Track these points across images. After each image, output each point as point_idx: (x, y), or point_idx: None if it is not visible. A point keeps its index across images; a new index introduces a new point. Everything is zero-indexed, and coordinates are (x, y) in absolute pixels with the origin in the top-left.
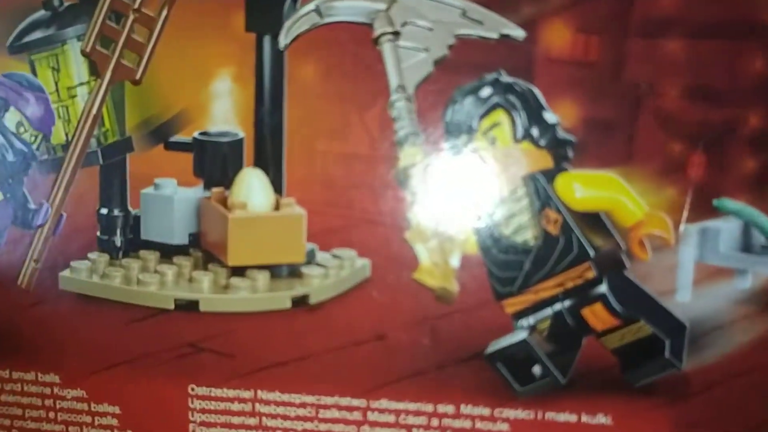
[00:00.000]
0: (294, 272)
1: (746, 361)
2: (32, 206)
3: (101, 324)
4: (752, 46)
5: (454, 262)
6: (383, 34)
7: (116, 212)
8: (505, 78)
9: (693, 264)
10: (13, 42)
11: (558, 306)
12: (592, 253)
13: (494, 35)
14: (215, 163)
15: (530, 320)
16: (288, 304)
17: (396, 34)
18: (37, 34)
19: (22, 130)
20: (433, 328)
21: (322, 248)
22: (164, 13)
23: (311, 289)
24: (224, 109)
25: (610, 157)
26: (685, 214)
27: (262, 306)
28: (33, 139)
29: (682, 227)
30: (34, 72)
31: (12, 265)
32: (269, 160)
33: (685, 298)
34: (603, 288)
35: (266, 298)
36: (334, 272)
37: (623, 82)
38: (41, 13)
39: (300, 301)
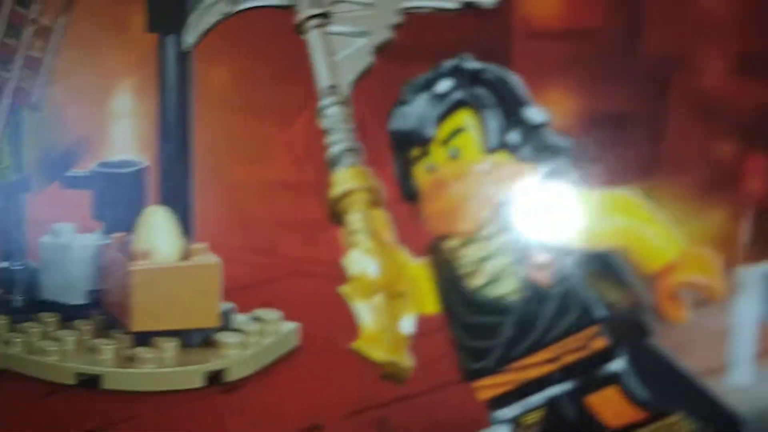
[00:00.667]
0: (208, 340)
1: None
2: None
3: (3, 397)
4: None
5: (407, 326)
6: (309, 17)
7: (15, 265)
8: (471, 64)
9: (756, 326)
10: None
11: (553, 390)
12: (602, 312)
13: (454, 4)
14: (115, 202)
15: (513, 410)
16: (200, 382)
17: (325, 16)
18: None
19: None
20: (382, 419)
21: (240, 308)
22: (61, 21)
23: (228, 363)
24: (124, 132)
25: (625, 169)
26: (744, 250)
27: (172, 384)
28: None
29: (739, 271)
30: None
31: None
32: (175, 195)
33: (743, 379)
34: (619, 364)
35: (176, 374)
36: (254, 340)
37: (641, 56)
38: None
39: (215, 378)
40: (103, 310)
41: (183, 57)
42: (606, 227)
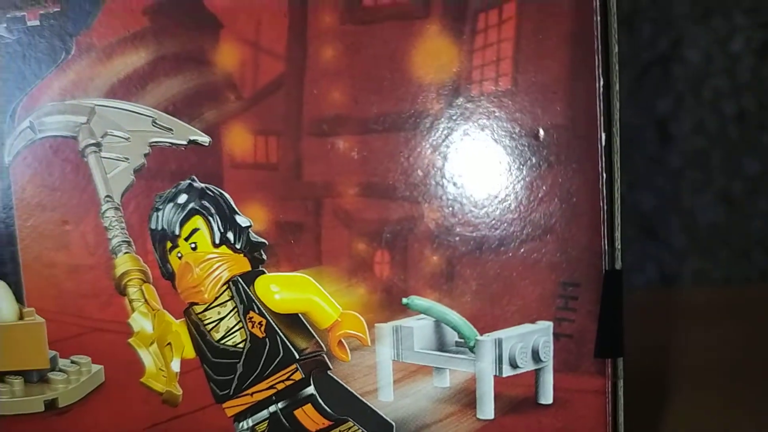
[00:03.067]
0: (43, 378)
1: None
2: None
3: None
4: (419, 137)
5: (176, 366)
6: (87, 146)
7: None
8: (198, 184)
9: (391, 363)
10: None
11: (273, 407)
12: (296, 355)
13: (183, 141)
14: None
15: (249, 422)
16: (42, 408)
17: (98, 145)
18: None
19: None
20: (165, 430)
21: (62, 355)
22: None
23: (58, 394)
24: None
25: (301, 259)
26: (377, 314)
27: (21, 409)
28: None
29: (377, 327)
30: None
31: None
32: (9, 274)
33: (388, 398)
34: (311, 389)
35: (22, 402)
36: (75, 377)
37: (304, 182)
38: None
39: (51, 405)
40: None
41: (4, 169)
42: (292, 297)
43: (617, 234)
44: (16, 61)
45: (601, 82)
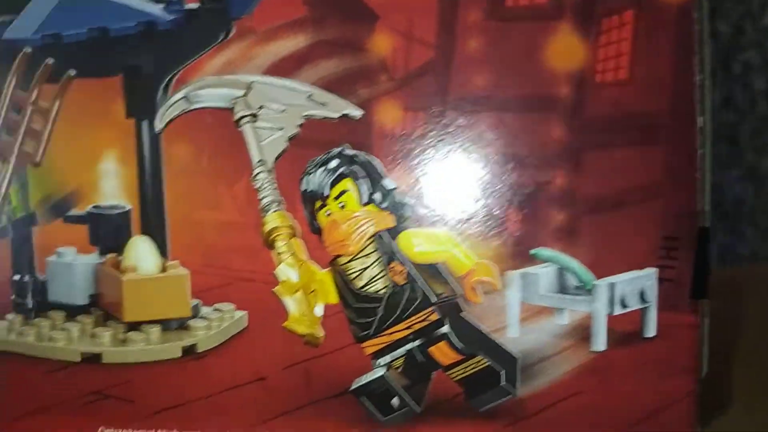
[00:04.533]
0: (182, 325)
1: (569, 387)
2: None
3: (19, 376)
4: (551, 114)
5: (318, 311)
6: (243, 116)
7: (26, 278)
8: (349, 151)
9: (519, 305)
10: None
11: (409, 345)
12: (433, 299)
13: (336, 115)
14: (108, 233)
15: (387, 359)
16: (179, 354)
17: (254, 116)
18: None
19: None
20: (306, 369)
21: (205, 303)
22: (57, 104)
23: (198, 340)
24: (112, 186)
25: (442, 219)
26: (507, 264)
27: (157, 356)
28: None
29: (507, 274)
30: None
31: None
32: (154, 229)
33: (514, 334)
34: (445, 329)
35: (160, 349)
36: (216, 324)
37: (447, 151)
38: None
39: (189, 350)
40: (101, 308)
41: (155, 137)
42: (432, 250)
43: (707, 198)
44: (172, 40)
45: (699, 77)
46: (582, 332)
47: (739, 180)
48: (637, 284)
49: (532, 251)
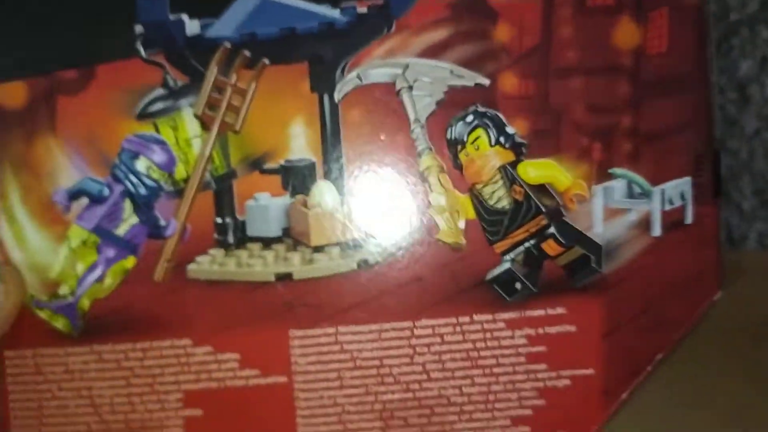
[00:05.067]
0: (357, 245)
1: (638, 264)
2: (163, 223)
3: (221, 298)
4: (619, 77)
5: (461, 225)
6: (402, 88)
7: (228, 220)
8: (481, 108)
9: (602, 209)
10: (140, 112)
11: (527, 243)
12: (543, 209)
13: (471, 84)
14: (297, 180)
15: (511, 255)
16: (354, 266)
17: (410, 87)
18: (159, 105)
19: (151, 171)
20: (452, 269)
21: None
22: (253, 85)
23: (370, 255)
24: (300, 144)
25: (549, 151)
26: (593, 180)
27: (337, 269)
28: (161, 177)
29: (593, 187)
30: (157, 130)
31: (148, 266)
32: (334, 175)
33: (599, 230)
34: (552, 229)
35: (339, 264)
36: (383, 242)
37: (551, 107)
38: (160, 91)
39: (364, 264)
40: (291, 238)
41: (334, 106)
42: (542, 174)
43: (716, 132)
44: (347, 35)
45: (710, 49)
46: (644, 224)
47: None
48: (679, 188)
49: (610, 170)
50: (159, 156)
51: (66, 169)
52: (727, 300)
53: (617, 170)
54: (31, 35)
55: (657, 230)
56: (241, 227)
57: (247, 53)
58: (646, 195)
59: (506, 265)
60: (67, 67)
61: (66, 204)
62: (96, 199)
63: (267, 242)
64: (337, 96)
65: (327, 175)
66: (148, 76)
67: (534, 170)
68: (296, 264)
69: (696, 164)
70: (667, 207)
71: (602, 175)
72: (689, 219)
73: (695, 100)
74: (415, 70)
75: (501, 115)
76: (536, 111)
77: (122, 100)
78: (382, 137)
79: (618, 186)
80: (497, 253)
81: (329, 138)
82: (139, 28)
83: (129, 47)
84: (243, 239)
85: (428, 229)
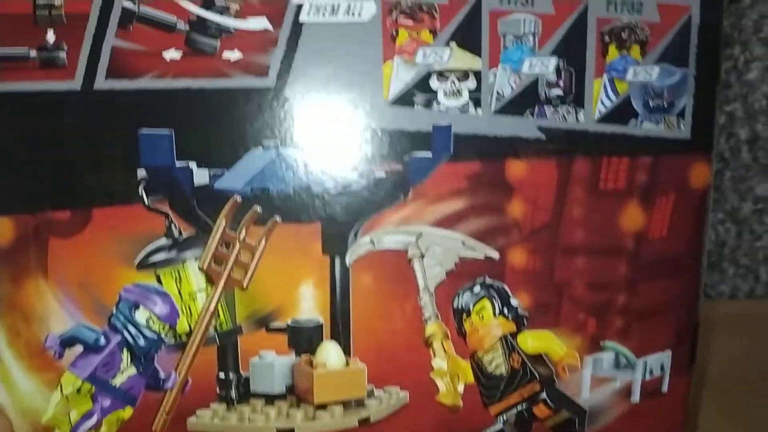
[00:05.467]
0: (359, 404)
1: (614, 427)
2: (162, 375)
3: None
4: (620, 258)
5: (461, 388)
6: (414, 256)
7: (231, 375)
8: (488, 280)
9: (589, 377)
10: (141, 261)
11: (520, 407)
12: (538, 376)
13: (481, 256)
14: (304, 340)
15: (504, 417)
16: (356, 424)
17: (422, 256)
18: (162, 256)
19: (152, 323)
20: (450, 428)
21: (377, 387)
22: (263, 242)
23: (371, 413)
24: (308, 305)
25: (548, 324)
26: (585, 351)
27: (339, 426)
28: (162, 329)
29: (584, 358)
30: (159, 281)
31: (147, 415)
32: (341, 335)
33: (586, 396)
34: (544, 395)
35: (341, 421)
36: (386, 401)
37: (554, 283)
38: (163, 240)
39: (364, 421)
40: (294, 396)
41: (345, 269)
42: (539, 345)
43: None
44: (363, 198)
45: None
46: (625, 391)
47: (721, 222)
48: (660, 360)
49: (602, 343)
50: (161, 308)
51: (58, 314)
52: None
53: (608, 343)
54: (18, 170)
55: (636, 398)
56: (244, 383)
57: (258, 209)
58: (630, 366)
59: (499, 426)
60: (58, 208)
61: (58, 350)
62: (91, 348)
63: (270, 398)
64: (348, 259)
65: (334, 335)
66: (150, 223)
67: (533, 341)
68: (299, 420)
69: (677, 338)
70: (648, 377)
71: (594, 346)
72: (665, 388)
73: (686, 280)
74: (428, 239)
75: (507, 288)
76: (540, 286)
77: (121, 246)
78: (389, 304)
79: (606, 357)
80: (491, 414)
81: (338, 300)
82: (141, 173)
83: (130, 192)
84: (246, 395)
85: (429, 391)
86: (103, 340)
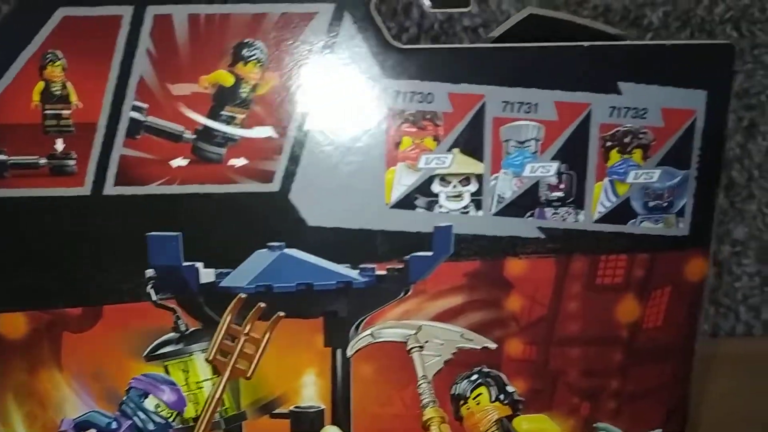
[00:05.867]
0: None
1: None
2: None
3: None
4: (614, 347)
5: None
6: (413, 347)
7: None
8: (485, 369)
9: None
10: (149, 353)
11: None
12: None
13: (479, 347)
14: (306, 425)
15: None
16: None
17: (421, 347)
18: (169, 348)
19: (160, 409)
20: None
21: None
22: (267, 335)
23: None
24: (310, 393)
25: (543, 408)
26: None
27: None
28: (170, 414)
29: None
30: (167, 372)
31: None
32: (342, 421)
33: None
34: None
35: None
36: None
37: (549, 371)
38: (171, 334)
39: None
40: None
41: (346, 361)
42: (534, 427)
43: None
44: (364, 295)
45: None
46: None
47: None
48: None
49: (594, 425)
50: (168, 396)
51: (72, 401)
52: None
53: (600, 425)
54: (32, 269)
55: None
56: None
57: (262, 305)
58: None
59: None
60: (70, 305)
61: None
62: (104, 431)
63: None
64: (349, 352)
65: (335, 421)
66: (158, 319)
67: (528, 424)
68: None
69: (668, 417)
70: None
71: (587, 428)
72: None
73: (677, 366)
74: (427, 332)
75: (503, 376)
76: (536, 374)
77: (131, 340)
78: (389, 391)
79: None
80: None
81: (339, 388)
82: (150, 272)
83: (139, 290)
84: None
85: None
86: (114, 425)
